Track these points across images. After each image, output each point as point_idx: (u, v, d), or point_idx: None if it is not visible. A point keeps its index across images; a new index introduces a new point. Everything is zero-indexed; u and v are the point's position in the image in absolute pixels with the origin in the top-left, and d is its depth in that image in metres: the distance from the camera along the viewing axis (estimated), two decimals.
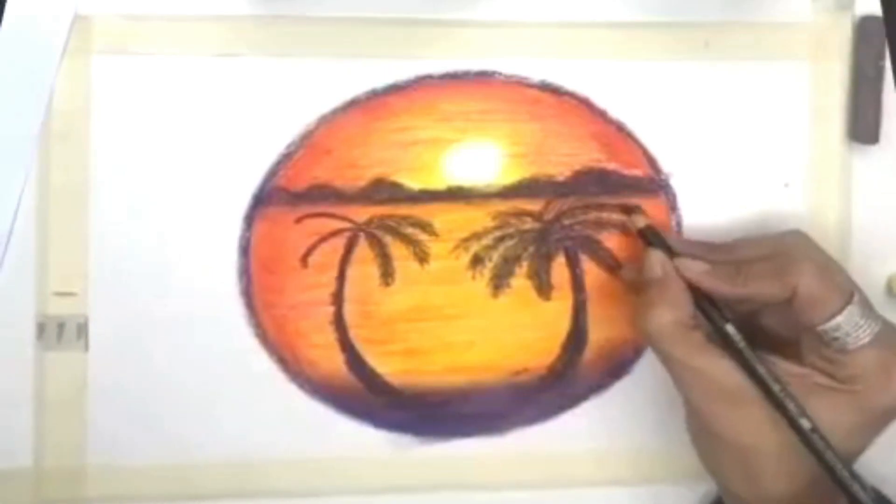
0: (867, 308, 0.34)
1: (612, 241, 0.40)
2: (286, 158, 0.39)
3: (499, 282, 0.40)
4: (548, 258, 0.40)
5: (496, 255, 0.40)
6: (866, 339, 0.33)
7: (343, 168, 0.39)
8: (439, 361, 0.40)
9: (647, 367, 0.40)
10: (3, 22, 0.38)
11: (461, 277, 0.39)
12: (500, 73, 0.40)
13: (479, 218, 0.40)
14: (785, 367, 0.34)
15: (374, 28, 0.39)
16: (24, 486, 0.38)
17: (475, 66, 0.40)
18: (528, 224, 0.40)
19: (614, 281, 0.40)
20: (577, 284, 0.40)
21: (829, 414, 0.33)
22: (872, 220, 0.41)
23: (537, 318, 0.40)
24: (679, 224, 0.40)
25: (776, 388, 0.33)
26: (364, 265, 0.39)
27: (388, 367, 0.39)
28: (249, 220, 0.39)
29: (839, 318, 0.33)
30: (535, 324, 0.40)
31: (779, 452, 0.33)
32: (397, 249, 0.39)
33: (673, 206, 0.40)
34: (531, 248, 0.40)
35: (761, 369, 0.33)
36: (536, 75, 0.40)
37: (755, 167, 0.41)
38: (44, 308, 0.38)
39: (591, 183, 0.40)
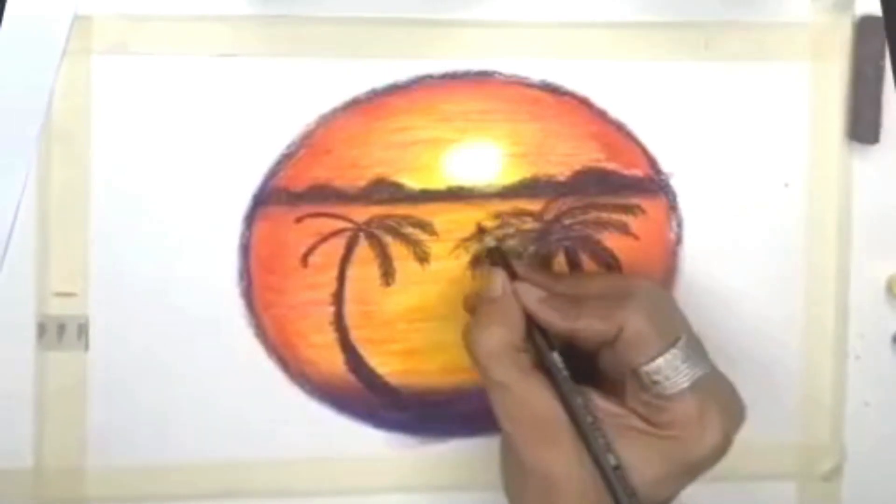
0: (694, 354, 0.33)
1: (612, 241, 0.40)
2: (286, 158, 0.39)
3: None
4: (548, 258, 0.40)
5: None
6: (685, 384, 0.33)
7: (343, 168, 0.39)
8: (439, 361, 0.40)
9: None
10: (3, 22, 0.38)
11: (461, 277, 0.39)
12: (500, 73, 0.40)
13: (479, 218, 0.40)
14: (605, 405, 0.34)
15: (374, 28, 0.39)
16: (24, 486, 0.38)
17: (475, 66, 0.40)
18: (528, 224, 0.40)
19: None
20: None
21: (639, 458, 0.33)
22: (872, 220, 0.41)
23: None
24: (679, 224, 0.40)
25: (588, 420, 0.33)
26: (364, 265, 0.39)
27: (388, 367, 0.40)
28: (249, 220, 0.39)
29: (660, 361, 0.33)
30: None
31: (583, 489, 0.33)
32: (397, 249, 0.39)
33: (673, 206, 0.40)
34: (531, 248, 0.40)
35: (577, 401, 0.33)
36: (536, 75, 0.40)
37: (755, 167, 0.41)
38: (44, 308, 0.38)
39: (591, 183, 0.40)
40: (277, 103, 0.39)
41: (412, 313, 0.39)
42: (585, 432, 0.33)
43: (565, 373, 0.34)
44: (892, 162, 0.41)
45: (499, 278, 0.36)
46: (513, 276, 0.36)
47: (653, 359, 0.33)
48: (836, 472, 0.41)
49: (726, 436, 0.33)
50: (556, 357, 0.34)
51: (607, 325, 0.34)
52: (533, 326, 0.35)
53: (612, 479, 0.32)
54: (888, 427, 0.41)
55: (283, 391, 0.39)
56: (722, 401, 0.34)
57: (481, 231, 0.39)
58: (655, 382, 0.33)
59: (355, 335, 0.39)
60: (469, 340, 0.35)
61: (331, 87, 0.39)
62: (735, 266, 0.41)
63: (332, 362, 0.39)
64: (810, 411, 0.41)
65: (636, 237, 0.40)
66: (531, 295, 0.35)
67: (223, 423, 0.39)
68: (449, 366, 0.40)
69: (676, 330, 0.34)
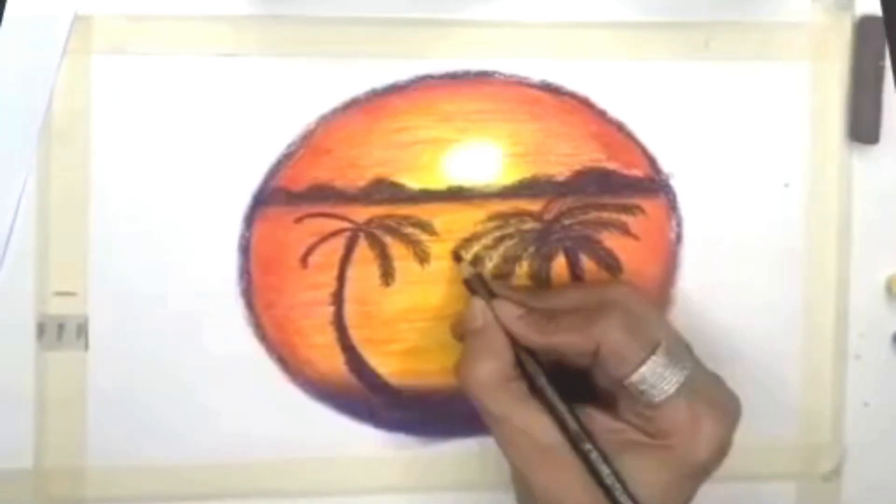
0: (674, 357, 0.33)
1: (612, 241, 0.40)
2: (286, 158, 0.39)
3: None
4: (548, 258, 0.40)
5: (496, 255, 0.40)
6: (671, 390, 0.32)
7: (343, 168, 0.39)
8: (439, 361, 0.40)
9: None
10: (3, 22, 0.38)
11: (461, 277, 0.39)
12: (500, 73, 0.40)
13: (479, 218, 0.40)
14: (603, 421, 0.33)
15: (374, 28, 0.39)
16: (24, 486, 0.38)
17: (475, 66, 0.40)
18: (528, 224, 0.40)
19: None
20: None
21: (641, 471, 0.32)
22: (872, 220, 0.41)
23: None
24: (679, 224, 0.40)
25: (586, 446, 0.32)
26: (364, 265, 0.39)
27: (388, 367, 0.40)
28: (249, 220, 0.39)
29: (642, 370, 0.32)
30: None
31: None
32: (397, 249, 0.39)
33: (673, 206, 0.40)
34: (531, 248, 0.40)
35: (572, 424, 0.33)
36: (536, 75, 0.40)
37: (755, 167, 0.41)
38: (44, 308, 0.38)
39: (591, 183, 0.40)
40: (277, 103, 0.39)
41: (412, 313, 0.39)
42: (586, 456, 0.32)
43: (556, 396, 0.33)
44: (892, 162, 0.41)
45: (478, 307, 0.36)
46: (493, 297, 0.36)
47: (635, 369, 0.32)
48: (836, 472, 0.41)
49: (722, 436, 0.33)
50: (542, 380, 0.34)
51: (584, 340, 0.33)
52: (521, 351, 0.35)
53: (619, 501, 0.32)
54: (888, 427, 0.41)
55: (282, 391, 0.39)
56: (713, 400, 0.33)
57: (458, 259, 0.39)
58: (642, 392, 0.33)
59: (355, 335, 0.39)
60: (460, 377, 0.34)
61: (331, 87, 0.39)
62: (735, 266, 0.41)
63: (332, 362, 0.39)
64: (810, 411, 0.41)
65: (636, 237, 0.40)
66: (509, 312, 0.35)
67: (223, 423, 0.39)
68: (449, 366, 0.39)
69: (655, 336, 0.33)
